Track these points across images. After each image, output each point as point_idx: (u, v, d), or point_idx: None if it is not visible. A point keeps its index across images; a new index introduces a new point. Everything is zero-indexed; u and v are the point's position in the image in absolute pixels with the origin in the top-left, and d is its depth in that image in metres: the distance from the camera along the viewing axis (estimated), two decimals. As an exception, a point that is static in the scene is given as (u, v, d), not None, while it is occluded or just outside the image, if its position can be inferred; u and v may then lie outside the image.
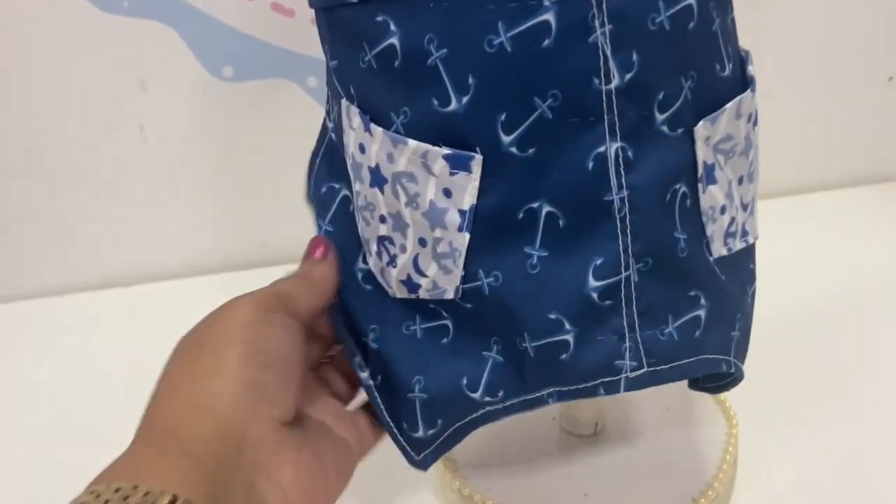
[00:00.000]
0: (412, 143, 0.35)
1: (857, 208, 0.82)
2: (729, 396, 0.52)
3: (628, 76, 0.33)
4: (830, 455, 0.52)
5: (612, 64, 0.33)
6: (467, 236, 0.36)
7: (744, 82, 0.38)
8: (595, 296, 0.35)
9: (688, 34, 0.34)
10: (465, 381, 0.38)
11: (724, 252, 0.39)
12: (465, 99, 0.34)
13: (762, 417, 0.53)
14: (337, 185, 0.41)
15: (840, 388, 0.57)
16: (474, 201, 0.35)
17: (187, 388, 0.34)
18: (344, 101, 0.38)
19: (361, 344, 0.40)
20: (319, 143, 0.43)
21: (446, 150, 0.35)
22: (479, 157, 0.34)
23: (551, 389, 0.37)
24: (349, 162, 0.39)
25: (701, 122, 0.36)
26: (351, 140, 0.38)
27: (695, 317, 0.37)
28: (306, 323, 0.38)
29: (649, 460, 0.50)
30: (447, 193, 0.35)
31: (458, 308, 0.38)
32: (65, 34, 0.66)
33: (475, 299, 0.37)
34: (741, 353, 0.41)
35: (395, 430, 0.40)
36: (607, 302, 0.35)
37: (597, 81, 0.33)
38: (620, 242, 0.35)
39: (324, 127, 0.42)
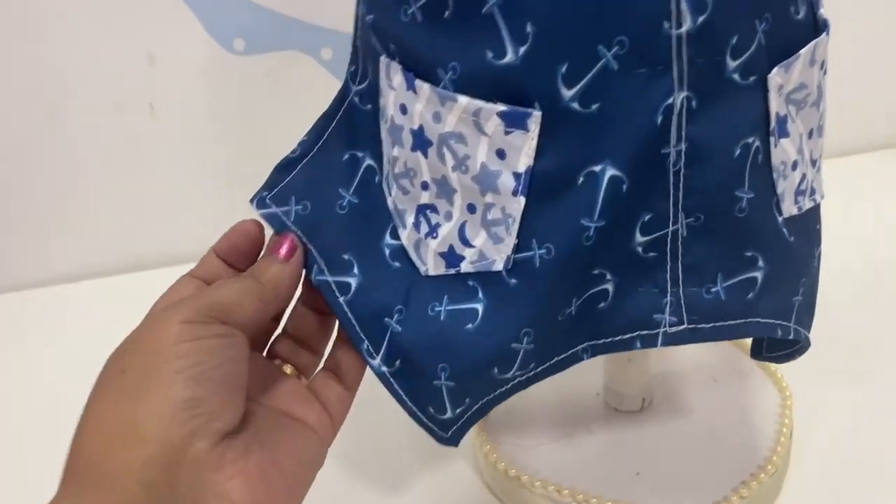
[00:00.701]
0: (463, 99, 0.32)
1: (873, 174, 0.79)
2: (780, 367, 0.50)
3: (701, 18, 0.30)
4: (885, 421, 0.50)
5: (684, 5, 0.30)
6: (523, 200, 0.33)
7: (816, 26, 0.36)
8: (640, 249, 0.34)
9: None
10: (495, 370, 0.36)
11: (795, 211, 0.37)
12: (522, 49, 0.31)
13: (814, 386, 0.51)
14: (360, 154, 0.38)
15: (886, 354, 0.56)
16: (531, 163, 0.33)
17: (111, 418, 0.31)
18: (383, 59, 0.35)
19: (378, 327, 0.37)
20: (337, 104, 0.39)
21: (501, 107, 0.32)
22: (537, 114, 0.32)
23: (585, 344, 0.36)
24: (385, 126, 0.36)
25: (775, 69, 0.33)
26: (390, 101, 0.35)
27: (749, 278, 0.35)
28: (250, 332, 0.34)
29: (701, 436, 0.48)
30: (501, 154, 0.33)
31: (500, 284, 0.35)
32: (67, 8, 0.63)
33: (523, 273, 0.34)
34: (805, 320, 0.39)
35: (420, 414, 0.37)
36: (651, 254, 0.34)
37: (667, 25, 0.30)
38: (672, 196, 0.33)
39: (345, 88, 0.39)
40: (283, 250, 0.37)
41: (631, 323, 0.36)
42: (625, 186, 0.33)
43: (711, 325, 0.35)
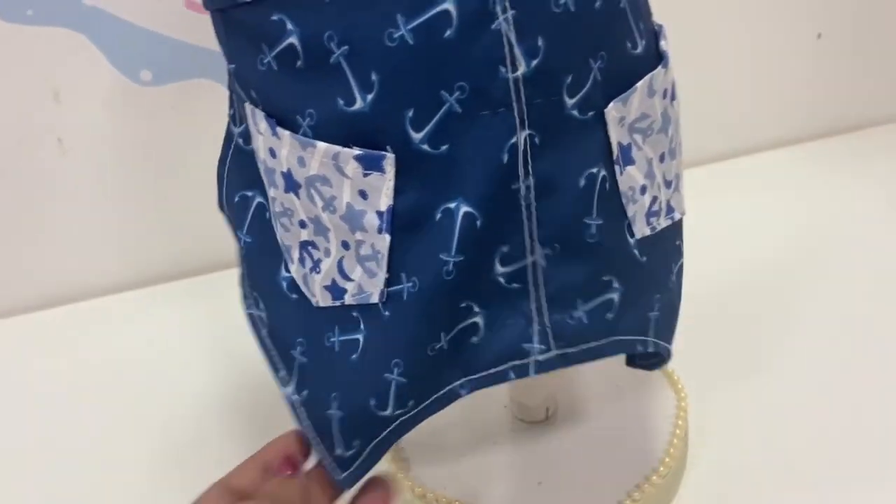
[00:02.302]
0: (321, 145, 0.34)
1: (790, 168, 0.82)
2: (677, 369, 0.52)
3: (535, 62, 0.32)
4: (779, 420, 0.52)
5: (517, 51, 0.32)
6: (388, 238, 0.34)
7: (657, 58, 0.38)
8: (502, 280, 0.35)
9: (595, 13, 0.33)
10: (372, 401, 0.36)
11: (648, 231, 0.38)
12: (370, 97, 0.32)
13: (712, 386, 0.53)
14: (249, 193, 0.39)
15: (782, 350, 0.58)
16: (391, 202, 0.34)
17: None
18: (248, 105, 0.36)
19: (288, 357, 0.39)
20: (225, 148, 0.41)
21: (357, 151, 0.33)
22: (390, 157, 0.33)
23: (462, 380, 0.37)
24: (262, 167, 0.37)
25: (612, 104, 0.35)
26: (260, 145, 0.36)
27: (607, 300, 0.37)
28: None
29: (602, 441, 0.49)
30: (363, 195, 0.34)
31: (377, 317, 0.36)
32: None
33: (395, 305, 0.36)
34: (664, 332, 0.40)
35: (321, 446, 0.38)
36: (515, 285, 0.35)
37: (503, 70, 0.32)
38: (526, 229, 0.34)
39: (228, 132, 0.41)
40: (288, 469, 0.38)
41: (502, 355, 0.36)
42: (478, 222, 0.34)
43: (578, 348, 0.36)
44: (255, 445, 0.39)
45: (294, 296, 0.38)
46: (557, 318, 0.36)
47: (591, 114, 0.34)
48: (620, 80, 0.35)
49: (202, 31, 0.66)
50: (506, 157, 0.33)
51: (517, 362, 0.36)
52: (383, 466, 0.49)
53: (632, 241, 0.37)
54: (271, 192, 0.37)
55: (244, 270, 0.41)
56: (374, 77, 0.32)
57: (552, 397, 0.51)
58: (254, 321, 0.41)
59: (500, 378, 0.36)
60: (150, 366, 0.63)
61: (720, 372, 0.55)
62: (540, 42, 0.32)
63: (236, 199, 0.40)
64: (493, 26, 0.31)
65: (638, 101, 0.36)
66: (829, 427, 0.51)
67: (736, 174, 0.81)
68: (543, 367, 0.36)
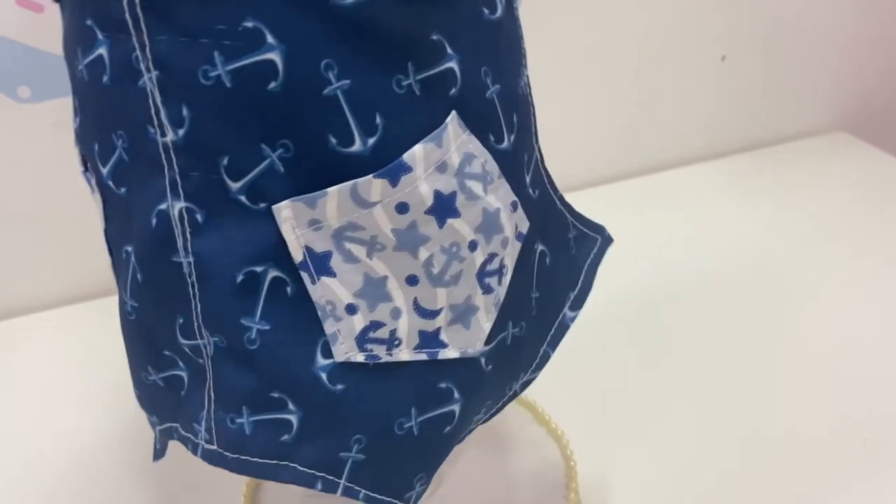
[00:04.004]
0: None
1: (693, 187, 0.83)
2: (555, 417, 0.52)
3: (181, 132, 0.29)
4: (672, 481, 0.53)
5: (163, 115, 0.29)
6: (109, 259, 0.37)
7: (401, 168, 0.31)
8: (188, 350, 0.34)
9: (268, 95, 0.28)
10: None
11: (360, 358, 0.33)
12: (77, 119, 0.34)
13: (593, 430, 0.53)
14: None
15: (663, 383, 0.58)
16: (104, 225, 0.36)
17: None
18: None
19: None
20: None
21: (81, 168, 0.36)
22: (93, 180, 0.35)
23: (173, 424, 0.37)
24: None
25: (286, 202, 0.30)
26: None
27: (280, 419, 0.33)
28: None
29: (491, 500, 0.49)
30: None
31: None
32: None
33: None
34: (371, 482, 0.35)
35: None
36: (199, 360, 0.34)
37: (152, 131, 0.30)
38: (193, 309, 0.32)
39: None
40: None
41: (188, 422, 0.34)
42: (139, 276, 0.33)
43: (236, 456, 0.33)
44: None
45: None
46: (221, 415, 0.33)
47: (262, 205, 0.30)
48: (323, 179, 0.30)
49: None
50: (154, 222, 0.32)
51: (191, 436, 0.35)
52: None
53: (323, 362, 0.32)
54: None
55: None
56: (76, 102, 0.34)
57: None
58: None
59: (185, 442, 0.36)
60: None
61: (596, 415, 0.55)
62: (185, 112, 0.29)
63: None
64: (140, 83, 0.29)
65: (336, 207, 0.31)
66: (720, 461, 0.52)
67: (637, 193, 0.82)
68: (208, 457, 0.34)
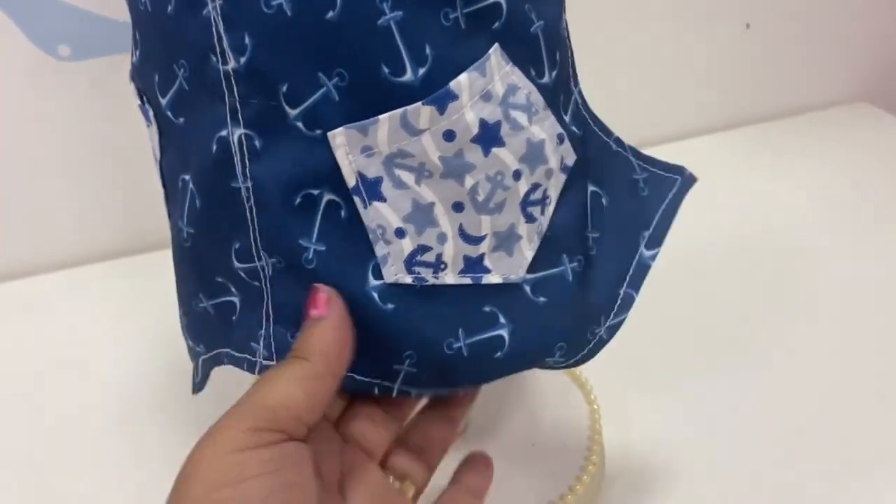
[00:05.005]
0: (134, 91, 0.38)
1: (715, 155, 0.84)
2: (590, 376, 0.53)
3: (243, 60, 0.31)
4: (694, 421, 0.54)
5: (226, 44, 0.30)
6: (162, 190, 0.39)
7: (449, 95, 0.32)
8: (243, 274, 0.35)
9: (326, 25, 0.30)
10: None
11: (408, 280, 0.34)
12: (137, 52, 0.35)
13: (622, 391, 0.55)
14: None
15: (692, 350, 0.60)
16: (158, 156, 0.37)
17: None
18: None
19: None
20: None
21: (138, 101, 0.37)
22: (151, 112, 0.35)
23: (224, 350, 0.38)
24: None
25: (341, 128, 0.31)
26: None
27: None
28: (313, 425, 0.32)
29: (518, 456, 0.50)
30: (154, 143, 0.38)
31: None
32: None
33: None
34: (423, 385, 0.36)
35: None
36: (255, 283, 0.35)
37: (214, 59, 0.31)
38: (251, 233, 0.34)
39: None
40: (320, 304, 0.33)
41: (244, 343, 0.36)
42: (197, 202, 0.35)
43: None
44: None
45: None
46: (280, 329, 0.35)
47: (318, 132, 0.32)
48: (376, 107, 0.31)
49: (121, 6, 0.64)
50: (214, 148, 0.33)
51: (248, 356, 0.36)
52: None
53: (374, 283, 0.34)
54: None
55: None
56: (137, 35, 0.35)
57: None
58: None
59: (239, 363, 0.36)
60: (91, 345, 0.62)
61: (632, 379, 0.57)
62: (247, 40, 0.30)
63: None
64: (204, 13, 0.31)
65: (387, 135, 0.32)
66: (747, 431, 0.53)
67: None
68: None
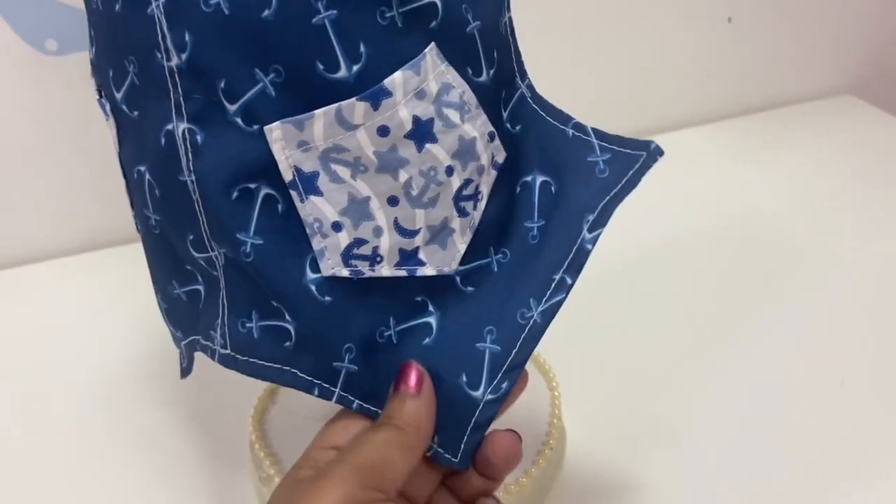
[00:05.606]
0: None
1: (698, 148, 0.84)
2: (551, 361, 0.54)
3: (184, 56, 0.32)
4: (658, 408, 0.55)
5: (168, 41, 0.32)
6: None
7: (381, 93, 0.33)
8: (202, 262, 0.37)
9: (262, 22, 0.31)
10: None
11: (345, 273, 0.35)
12: (93, 48, 0.37)
13: (585, 376, 0.56)
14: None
15: (667, 340, 0.61)
16: (117, 149, 0.39)
17: None
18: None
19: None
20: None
21: (97, 97, 0.38)
22: (108, 106, 0.37)
23: (194, 338, 0.40)
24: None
25: (276, 123, 0.32)
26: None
27: (279, 327, 0.35)
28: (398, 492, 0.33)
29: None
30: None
31: None
32: None
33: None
34: (364, 389, 0.37)
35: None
36: (214, 272, 0.37)
37: (159, 56, 0.32)
38: (201, 224, 0.35)
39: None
40: (412, 381, 0.35)
41: (206, 331, 0.37)
42: (157, 192, 0.36)
43: (246, 358, 0.36)
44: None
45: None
46: (234, 321, 0.36)
47: (255, 127, 0.33)
48: (311, 103, 0.32)
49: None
50: (163, 141, 0.34)
51: (209, 344, 0.37)
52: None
53: (312, 276, 0.35)
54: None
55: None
56: (92, 33, 0.37)
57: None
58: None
59: (205, 351, 0.38)
60: (78, 333, 0.64)
61: (590, 362, 0.58)
62: (187, 37, 0.31)
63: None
64: (148, 11, 0.32)
65: (322, 129, 0.33)
66: (712, 417, 0.54)
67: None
68: (222, 361, 0.37)
